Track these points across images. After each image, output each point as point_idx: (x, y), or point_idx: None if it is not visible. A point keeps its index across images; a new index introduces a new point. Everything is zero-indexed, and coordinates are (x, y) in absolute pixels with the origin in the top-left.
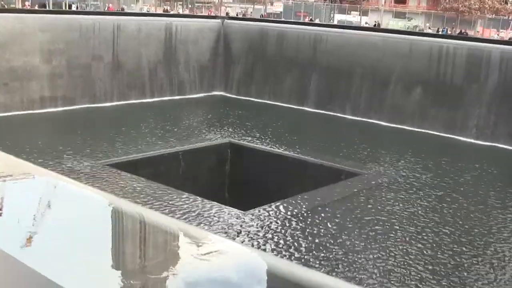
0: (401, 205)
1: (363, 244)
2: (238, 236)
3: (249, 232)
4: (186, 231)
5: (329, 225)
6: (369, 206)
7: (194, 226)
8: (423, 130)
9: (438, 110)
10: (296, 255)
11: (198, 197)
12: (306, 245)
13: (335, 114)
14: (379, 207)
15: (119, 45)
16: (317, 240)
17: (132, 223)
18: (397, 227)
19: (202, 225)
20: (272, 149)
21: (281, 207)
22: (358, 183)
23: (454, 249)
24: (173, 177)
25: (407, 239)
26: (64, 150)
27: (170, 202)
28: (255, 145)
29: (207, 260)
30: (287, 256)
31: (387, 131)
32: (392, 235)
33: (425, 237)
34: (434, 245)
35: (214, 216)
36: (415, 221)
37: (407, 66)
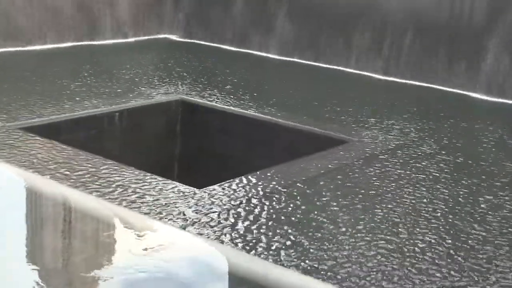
0: (400, 183)
1: (352, 239)
2: (190, 223)
3: (204, 217)
4: (123, 217)
5: (309, 209)
6: (360, 183)
7: (133, 210)
8: (423, 84)
9: (442, 59)
10: (264, 248)
11: (139, 170)
12: (277, 235)
13: (307, 62)
14: (373, 186)
15: None
16: (291, 229)
17: (52, 207)
18: (398, 220)
19: (143, 208)
20: (235, 108)
21: (246, 184)
22: (345, 153)
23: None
24: (108, 144)
25: (414, 233)
26: None
27: (103, 178)
28: (214, 103)
29: (150, 255)
30: (253, 250)
31: (379, 85)
32: (394, 230)
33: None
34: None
35: (160, 196)
36: (422, 207)
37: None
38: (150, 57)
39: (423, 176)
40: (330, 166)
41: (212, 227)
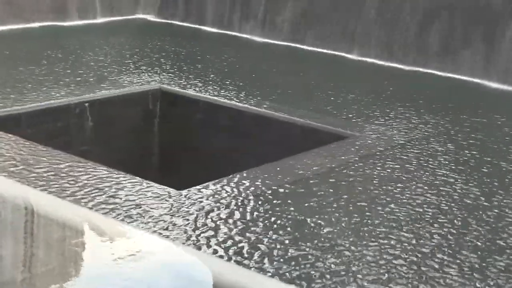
0: (408, 185)
1: (354, 247)
2: (169, 229)
3: (184, 222)
4: (92, 222)
5: (298, 213)
6: (361, 185)
7: (104, 215)
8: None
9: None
10: (252, 258)
11: (112, 169)
12: (266, 243)
13: (301, 46)
14: (377, 188)
15: None
16: (278, 235)
17: (11, 211)
18: (401, 231)
19: (116, 212)
20: (220, 99)
21: (232, 185)
22: (345, 150)
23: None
24: (76, 139)
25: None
26: None
27: (70, 178)
28: (197, 93)
29: (123, 266)
30: (239, 259)
31: (379, 72)
32: (403, 242)
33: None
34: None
35: (135, 198)
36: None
37: None
38: (123, 40)
39: (432, 178)
40: (325, 165)
41: (195, 233)
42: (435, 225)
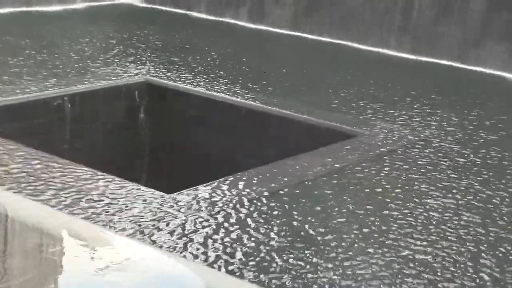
0: (425, 187)
1: (360, 258)
2: (156, 236)
3: (173, 229)
4: (73, 229)
5: (303, 220)
6: (368, 189)
7: (86, 220)
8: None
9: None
10: (247, 268)
11: (94, 170)
12: (262, 252)
13: (303, 35)
14: (385, 192)
15: None
16: (275, 244)
17: None
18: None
19: (98, 217)
20: (213, 93)
21: (227, 188)
22: (352, 150)
23: None
24: (54, 137)
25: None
26: None
27: (47, 180)
28: (187, 86)
29: (107, 275)
30: (231, 269)
31: (391, 63)
32: (421, 255)
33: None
34: None
35: (120, 202)
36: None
37: None
38: (105, 28)
39: (447, 184)
40: (330, 166)
41: (184, 241)
42: (448, 234)
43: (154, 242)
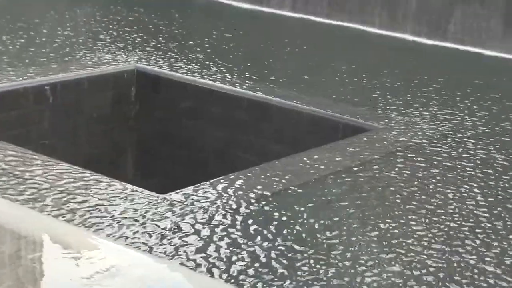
0: (444, 188)
1: (373, 263)
2: (147, 240)
3: (166, 233)
4: (56, 233)
5: (310, 223)
6: (384, 190)
7: (69, 223)
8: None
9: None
10: (244, 274)
11: (78, 167)
12: (263, 258)
13: (309, 17)
14: (397, 194)
15: None
16: (283, 251)
17: None
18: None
19: (83, 220)
20: (209, 82)
21: (225, 188)
22: (364, 145)
23: None
24: (33, 130)
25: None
26: None
27: (26, 177)
28: (181, 74)
29: (94, 284)
30: (228, 276)
31: (407, 50)
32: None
33: None
34: None
35: (107, 203)
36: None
37: None
38: (91, 10)
39: (467, 184)
40: (339, 163)
41: (174, 245)
42: (466, 239)
43: (144, 246)
